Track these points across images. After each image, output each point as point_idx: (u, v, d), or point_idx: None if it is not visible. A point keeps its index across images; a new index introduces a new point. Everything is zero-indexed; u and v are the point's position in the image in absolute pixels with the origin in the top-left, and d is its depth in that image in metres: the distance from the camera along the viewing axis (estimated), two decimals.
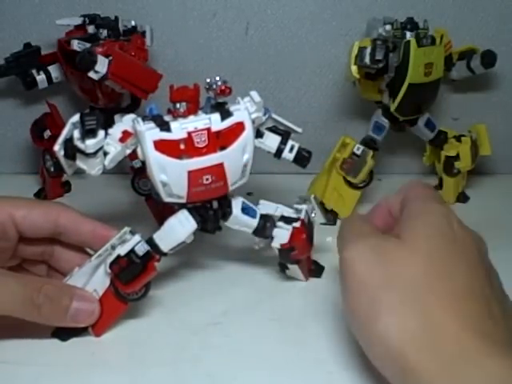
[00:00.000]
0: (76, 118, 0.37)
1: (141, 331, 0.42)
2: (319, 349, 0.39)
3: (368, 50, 0.55)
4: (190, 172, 0.38)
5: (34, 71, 0.59)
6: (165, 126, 0.37)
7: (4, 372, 0.38)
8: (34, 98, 0.65)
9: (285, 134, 0.44)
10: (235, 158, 0.39)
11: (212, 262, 0.51)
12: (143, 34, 0.57)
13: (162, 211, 0.53)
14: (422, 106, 0.60)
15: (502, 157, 0.69)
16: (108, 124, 0.39)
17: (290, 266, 0.46)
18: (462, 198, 0.65)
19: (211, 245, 0.51)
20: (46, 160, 0.60)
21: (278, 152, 0.44)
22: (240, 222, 0.44)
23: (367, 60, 0.56)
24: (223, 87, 0.39)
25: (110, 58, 0.50)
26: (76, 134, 0.36)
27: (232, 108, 0.39)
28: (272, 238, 0.45)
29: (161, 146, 0.37)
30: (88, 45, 0.53)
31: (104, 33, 0.55)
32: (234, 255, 0.51)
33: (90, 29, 0.56)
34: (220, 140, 0.38)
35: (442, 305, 0.32)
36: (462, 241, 0.35)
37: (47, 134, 0.61)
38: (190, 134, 0.37)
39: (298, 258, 0.45)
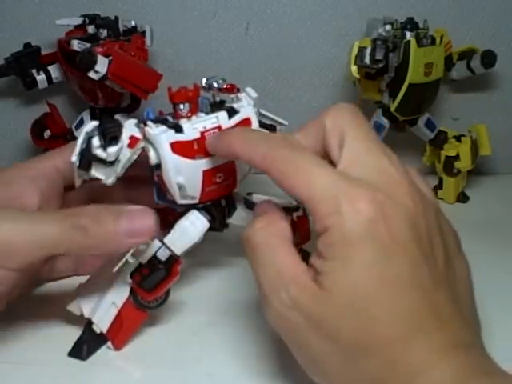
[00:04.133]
0: (90, 126, 0.36)
1: (141, 331, 0.42)
2: None
3: (368, 50, 0.56)
4: (204, 171, 0.38)
5: (34, 71, 0.59)
6: (177, 128, 0.37)
7: (4, 372, 0.38)
8: (33, 98, 0.65)
9: (271, 128, 0.45)
10: None
11: (213, 258, 0.51)
12: (143, 33, 0.57)
13: (163, 213, 0.53)
14: (422, 106, 0.60)
15: (502, 157, 0.69)
16: None
17: None
18: (462, 197, 0.65)
19: (212, 241, 0.51)
20: None
21: None
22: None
23: (367, 60, 0.56)
24: (228, 85, 0.39)
25: (110, 58, 0.50)
26: (96, 142, 0.36)
27: (236, 105, 0.39)
28: None
29: (177, 147, 0.37)
30: (88, 45, 0.53)
31: (104, 33, 0.55)
32: (235, 252, 0.51)
33: (90, 29, 0.56)
34: None
35: (384, 354, 0.30)
36: (393, 252, 0.30)
37: (47, 134, 0.61)
38: (202, 133, 0.37)
39: (298, 247, 0.45)
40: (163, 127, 0.37)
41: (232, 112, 0.39)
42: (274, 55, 0.66)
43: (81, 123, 0.59)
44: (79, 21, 0.56)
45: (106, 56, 0.50)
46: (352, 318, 0.30)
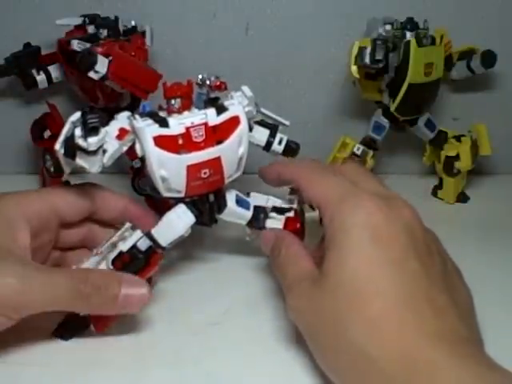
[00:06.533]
0: (76, 116, 0.37)
1: (141, 332, 0.42)
2: None
3: (368, 50, 0.56)
4: (188, 166, 0.38)
5: (33, 71, 0.59)
6: (163, 122, 0.38)
7: (4, 372, 0.38)
8: (34, 98, 0.65)
9: (273, 127, 0.45)
10: (231, 151, 0.40)
11: (213, 256, 0.51)
12: (143, 33, 0.57)
13: (162, 211, 0.53)
14: (422, 106, 0.60)
15: (502, 157, 0.69)
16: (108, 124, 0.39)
17: None
18: (462, 197, 0.65)
19: (211, 239, 0.51)
20: (46, 160, 0.60)
21: (268, 145, 0.45)
22: (235, 214, 0.44)
23: (367, 60, 0.56)
24: (218, 83, 0.40)
25: (110, 58, 0.50)
26: (77, 132, 0.36)
27: (226, 103, 0.40)
28: (265, 228, 0.45)
29: (160, 141, 0.37)
30: (88, 45, 0.53)
31: (104, 33, 0.55)
32: (234, 251, 0.52)
33: (90, 29, 0.56)
34: (217, 134, 0.39)
35: (373, 329, 0.32)
36: (387, 241, 0.34)
37: (47, 134, 0.61)
38: (187, 128, 0.38)
39: None
40: (149, 121, 0.38)
41: (221, 109, 0.39)
42: (274, 55, 0.66)
43: None
44: (79, 21, 0.56)
45: (106, 56, 0.50)
46: (343, 295, 0.33)
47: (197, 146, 0.38)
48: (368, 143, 0.62)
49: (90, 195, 0.42)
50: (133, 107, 0.58)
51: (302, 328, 0.37)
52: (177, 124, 0.38)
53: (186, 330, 0.42)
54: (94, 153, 0.37)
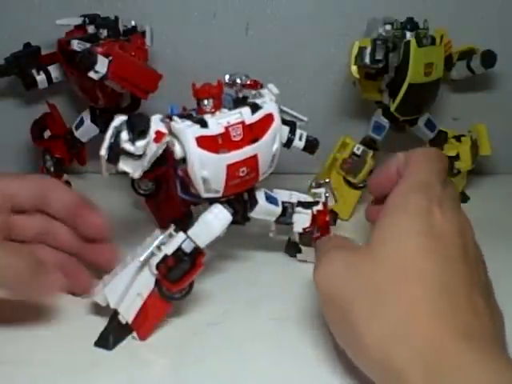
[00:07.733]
0: (119, 121, 0.36)
1: None
2: (321, 348, 0.39)
3: (368, 50, 0.56)
4: (228, 166, 0.39)
5: (34, 71, 0.59)
6: (202, 123, 0.38)
7: (3, 372, 0.38)
8: (34, 98, 0.65)
9: (292, 124, 0.46)
10: (267, 148, 0.40)
11: (212, 256, 0.51)
12: (143, 33, 0.57)
13: (162, 211, 0.53)
14: (422, 106, 0.60)
15: (502, 157, 0.69)
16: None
17: (304, 248, 0.49)
18: (462, 198, 0.65)
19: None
20: (46, 160, 0.60)
21: (289, 142, 0.46)
22: (266, 211, 0.45)
23: (367, 60, 0.56)
24: (251, 81, 0.40)
25: (110, 58, 0.50)
26: (124, 136, 0.36)
27: (258, 101, 0.40)
28: (292, 224, 0.46)
29: (202, 142, 0.37)
30: (88, 45, 0.53)
31: (104, 33, 0.55)
32: (234, 250, 0.52)
33: (90, 29, 0.56)
34: (253, 132, 0.39)
35: (409, 308, 0.32)
36: (441, 236, 0.35)
37: (47, 134, 0.61)
38: (226, 128, 0.38)
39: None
40: (188, 122, 0.38)
41: (255, 108, 0.40)
42: (274, 55, 0.66)
43: (81, 123, 0.59)
44: (79, 21, 0.56)
45: (106, 56, 0.50)
46: (387, 268, 0.33)
47: (235, 145, 0.38)
48: (368, 143, 0.62)
49: (42, 183, 0.43)
50: (133, 107, 0.59)
51: (327, 295, 0.36)
52: (215, 124, 0.38)
53: (186, 330, 0.42)
54: (140, 157, 0.37)
